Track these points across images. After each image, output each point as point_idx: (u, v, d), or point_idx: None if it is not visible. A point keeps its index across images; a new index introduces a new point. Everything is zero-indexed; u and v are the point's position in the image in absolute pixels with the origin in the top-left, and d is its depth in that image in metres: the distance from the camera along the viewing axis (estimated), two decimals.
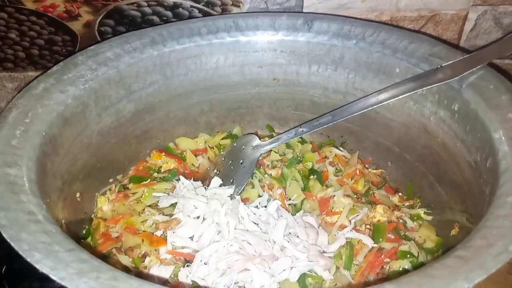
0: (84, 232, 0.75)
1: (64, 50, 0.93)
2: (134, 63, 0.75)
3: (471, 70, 0.67)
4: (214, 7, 0.88)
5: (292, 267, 0.66)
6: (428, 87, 0.70)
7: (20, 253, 0.44)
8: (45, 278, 0.70)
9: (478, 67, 0.67)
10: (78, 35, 0.91)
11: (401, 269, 0.69)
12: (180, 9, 0.88)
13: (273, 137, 0.86)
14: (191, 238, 0.71)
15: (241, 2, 0.87)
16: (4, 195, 0.51)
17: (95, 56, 0.73)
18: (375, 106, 0.74)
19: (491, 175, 0.58)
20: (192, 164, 0.87)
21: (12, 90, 1.00)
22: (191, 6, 0.87)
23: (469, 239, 0.48)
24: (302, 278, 0.66)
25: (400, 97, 0.72)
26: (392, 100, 0.73)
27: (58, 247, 0.45)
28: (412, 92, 0.71)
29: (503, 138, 0.59)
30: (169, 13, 0.88)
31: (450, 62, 0.69)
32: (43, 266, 0.43)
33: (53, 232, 0.47)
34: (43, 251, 0.44)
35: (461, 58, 0.69)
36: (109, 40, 0.77)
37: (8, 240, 0.45)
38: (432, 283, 0.42)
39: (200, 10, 0.88)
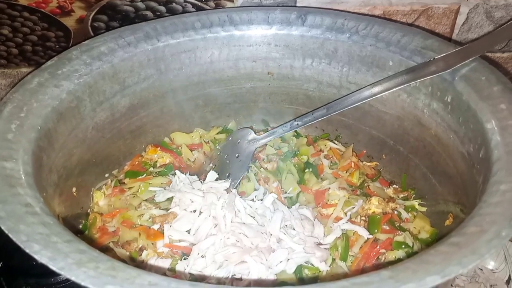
0: (81, 226, 0.75)
1: (57, 46, 0.93)
2: (128, 58, 0.75)
3: (463, 63, 0.67)
4: (207, 1, 0.88)
5: (288, 259, 0.67)
6: (421, 79, 0.70)
7: (19, 244, 0.43)
8: (41, 275, 0.70)
9: (470, 59, 0.67)
10: (71, 30, 0.90)
11: (396, 259, 0.70)
12: (174, 4, 0.88)
13: (268, 131, 0.86)
14: (188, 231, 0.71)
15: None
16: (1, 188, 0.50)
17: (89, 51, 0.73)
18: (369, 99, 0.75)
19: (484, 165, 0.59)
20: (188, 158, 0.87)
21: (5, 86, 0.99)
22: (185, 1, 0.87)
23: (463, 226, 0.49)
24: (299, 269, 0.67)
25: (394, 89, 0.73)
26: (386, 93, 0.73)
27: (57, 238, 0.45)
28: (405, 85, 0.72)
29: (495, 128, 0.59)
30: (162, 8, 0.88)
31: (442, 55, 0.70)
32: (42, 256, 0.43)
33: (50, 223, 0.47)
34: (42, 242, 0.44)
35: (454, 50, 0.70)
36: (103, 34, 0.76)
37: (7, 232, 0.44)
38: (427, 268, 0.43)
39: (193, 5, 0.88)
